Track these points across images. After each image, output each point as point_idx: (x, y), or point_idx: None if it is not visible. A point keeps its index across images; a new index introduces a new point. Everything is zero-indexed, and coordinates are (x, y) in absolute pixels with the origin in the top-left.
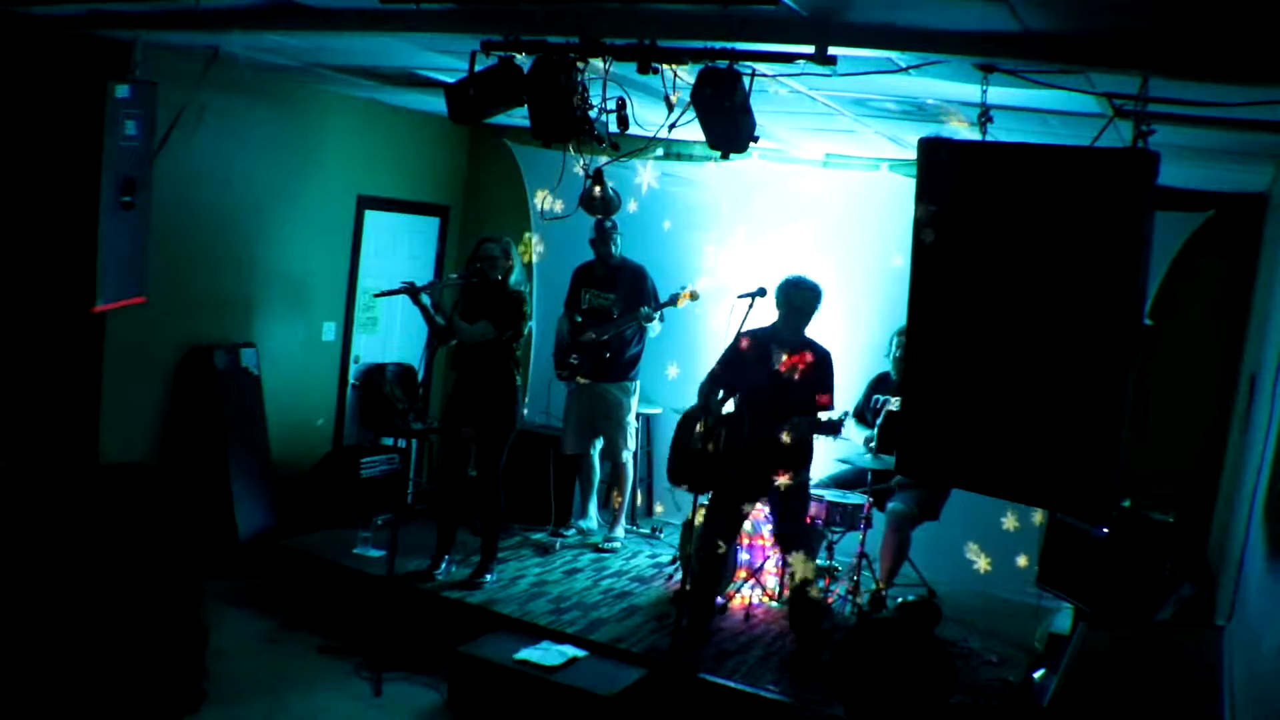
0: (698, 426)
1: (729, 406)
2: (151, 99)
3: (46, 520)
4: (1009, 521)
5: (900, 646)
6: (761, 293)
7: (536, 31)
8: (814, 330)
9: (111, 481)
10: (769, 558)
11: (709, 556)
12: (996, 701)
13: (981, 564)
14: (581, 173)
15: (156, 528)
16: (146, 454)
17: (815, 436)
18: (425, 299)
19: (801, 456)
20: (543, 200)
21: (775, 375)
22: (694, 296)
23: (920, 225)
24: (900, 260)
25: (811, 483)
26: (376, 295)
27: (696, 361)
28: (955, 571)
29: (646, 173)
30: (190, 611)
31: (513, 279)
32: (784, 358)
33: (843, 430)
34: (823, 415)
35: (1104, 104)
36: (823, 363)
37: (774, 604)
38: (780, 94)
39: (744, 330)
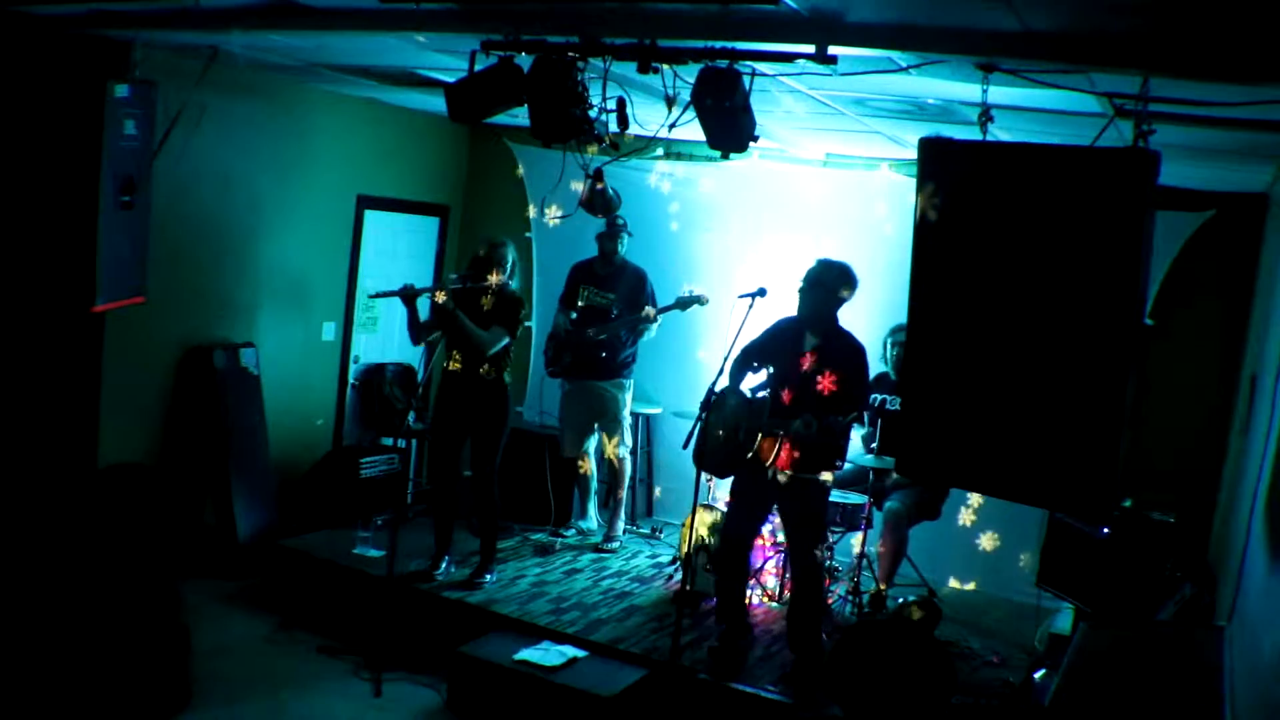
0: (725, 409)
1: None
2: (151, 99)
3: (45, 521)
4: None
5: (900, 646)
6: (762, 293)
7: (536, 31)
8: None
9: (110, 482)
10: (769, 558)
11: (727, 556)
12: (996, 701)
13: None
14: (582, 172)
15: (154, 528)
16: (146, 454)
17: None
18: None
19: (819, 448)
20: (543, 202)
21: (801, 363)
22: (701, 301)
23: (920, 225)
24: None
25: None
26: (371, 296)
27: (698, 364)
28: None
29: (649, 173)
30: (172, 612)
31: (514, 282)
32: (813, 345)
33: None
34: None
35: (1105, 104)
36: (853, 355)
37: (774, 604)
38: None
39: (784, 316)
